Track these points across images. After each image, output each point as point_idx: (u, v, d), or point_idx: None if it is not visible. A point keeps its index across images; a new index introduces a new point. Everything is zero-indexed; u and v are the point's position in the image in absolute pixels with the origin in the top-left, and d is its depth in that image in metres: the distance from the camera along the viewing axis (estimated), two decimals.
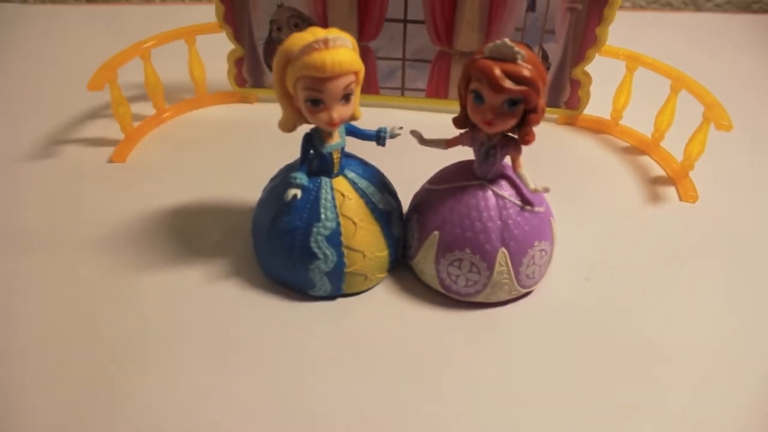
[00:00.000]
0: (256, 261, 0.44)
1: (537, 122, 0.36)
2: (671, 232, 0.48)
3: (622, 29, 0.57)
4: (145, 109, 0.60)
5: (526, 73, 0.34)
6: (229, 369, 0.37)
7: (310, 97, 0.36)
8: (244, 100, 0.63)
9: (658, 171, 0.54)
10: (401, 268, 0.43)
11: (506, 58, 0.35)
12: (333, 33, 0.35)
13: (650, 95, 0.55)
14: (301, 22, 0.56)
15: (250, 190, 0.47)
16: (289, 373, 0.37)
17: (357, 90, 0.37)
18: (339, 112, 0.36)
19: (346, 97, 0.36)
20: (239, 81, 0.61)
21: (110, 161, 0.54)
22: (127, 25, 0.80)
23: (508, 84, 0.34)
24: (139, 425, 0.34)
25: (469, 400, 0.35)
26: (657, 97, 0.54)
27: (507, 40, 0.34)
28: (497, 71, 0.34)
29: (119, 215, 0.48)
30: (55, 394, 0.35)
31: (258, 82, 0.61)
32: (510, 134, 0.38)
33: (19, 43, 0.76)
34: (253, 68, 0.60)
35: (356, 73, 0.36)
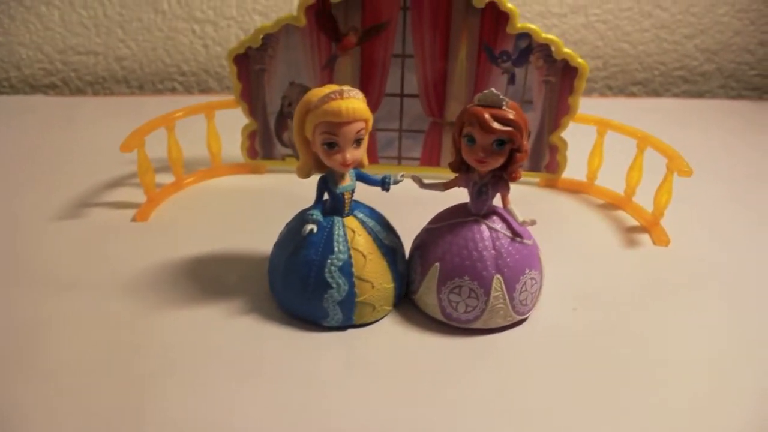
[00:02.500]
0: (271, 299, 0.47)
1: (522, 160, 0.42)
2: (646, 271, 0.52)
3: (593, 114, 0.64)
4: (163, 178, 0.65)
5: (511, 116, 0.40)
6: (248, 393, 0.39)
7: (326, 140, 0.41)
8: (255, 170, 0.69)
9: (633, 222, 0.60)
10: (405, 304, 0.47)
11: (494, 104, 0.41)
12: (346, 87, 0.41)
13: (620, 156, 0.61)
14: None
15: (261, 243, 0.52)
16: (305, 395, 0.39)
17: (366, 137, 0.43)
18: (352, 154, 0.42)
19: (358, 142, 0.42)
20: (251, 153, 0.67)
21: (134, 220, 0.59)
22: (138, 113, 0.87)
23: (496, 125, 0.40)
24: None
25: (471, 418, 0.38)
26: (626, 156, 0.61)
27: (493, 89, 0.41)
28: (487, 115, 0.40)
29: (143, 264, 0.52)
30: (88, 419, 0.37)
31: (269, 154, 0.68)
32: (499, 173, 0.44)
33: (45, 127, 0.83)
34: (265, 141, 0.67)
35: (366, 121, 0.42)
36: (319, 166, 0.44)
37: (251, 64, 0.63)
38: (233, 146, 0.68)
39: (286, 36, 0.62)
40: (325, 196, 0.45)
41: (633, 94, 1.05)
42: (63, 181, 0.67)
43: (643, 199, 0.60)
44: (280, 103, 0.65)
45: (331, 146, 0.41)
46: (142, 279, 0.50)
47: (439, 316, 0.45)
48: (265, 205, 0.62)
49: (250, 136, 0.66)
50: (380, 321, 0.46)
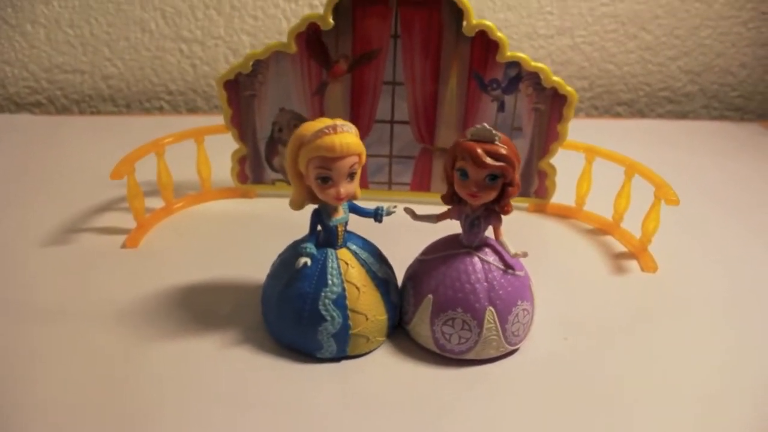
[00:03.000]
0: (265, 330, 0.47)
1: (514, 194, 0.43)
2: (635, 298, 0.53)
3: (579, 135, 0.65)
4: (153, 203, 0.65)
5: (503, 151, 0.41)
6: (242, 425, 0.39)
7: (320, 174, 0.41)
8: (245, 195, 0.69)
9: (621, 248, 0.60)
10: (398, 334, 0.47)
11: (486, 139, 0.41)
12: (339, 121, 0.41)
13: (608, 182, 0.62)
14: (301, 124, 0.64)
15: (253, 271, 0.52)
16: (300, 427, 0.39)
17: (359, 171, 0.43)
18: (345, 188, 0.42)
19: (351, 176, 0.42)
20: (241, 178, 0.67)
21: (123, 246, 0.58)
22: (126, 133, 0.87)
23: (488, 160, 0.41)
24: None
25: None
26: (614, 183, 0.62)
27: (485, 124, 0.41)
28: (479, 150, 0.41)
29: (134, 293, 0.51)
30: None
31: (258, 178, 0.68)
32: (491, 206, 0.44)
33: (30, 146, 0.82)
34: (255, 166, 0.67)
35: (359, 155, 0.42)
36: (312, 198, 0.44)
37: (241, 89, 0.63)
38: (223, 170, 0.68)
39: (276, 62, 0.62)
40: (318, 228, 0.45)
41: (618, 114, 1.06)
42: (50, 204, 0.67)
43: (632, 225, 0.61)
44: (270, 128, 0.65)
45: (325, 180, 0.42)
46: (132, 308, 0.49)
47: (433, 347, 0.45)
48: (256, 230, 0.62)
49: (240, 161, 0.66)
50: (374, 352, 0.46)
